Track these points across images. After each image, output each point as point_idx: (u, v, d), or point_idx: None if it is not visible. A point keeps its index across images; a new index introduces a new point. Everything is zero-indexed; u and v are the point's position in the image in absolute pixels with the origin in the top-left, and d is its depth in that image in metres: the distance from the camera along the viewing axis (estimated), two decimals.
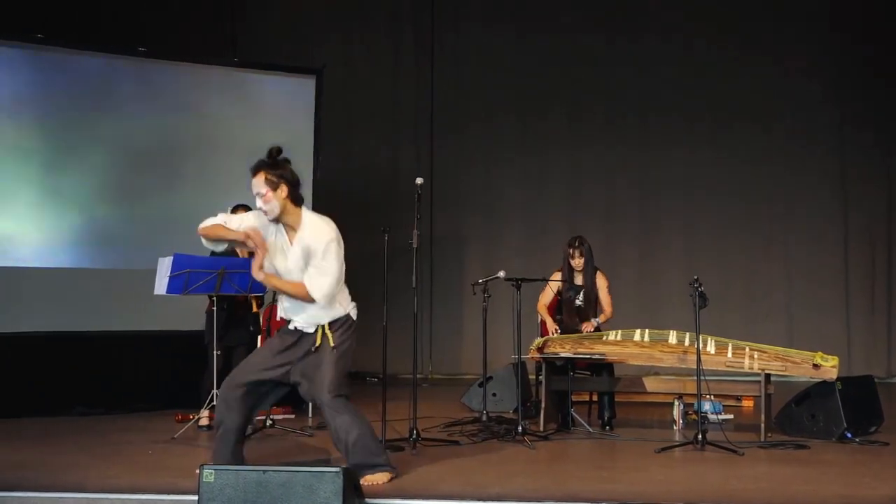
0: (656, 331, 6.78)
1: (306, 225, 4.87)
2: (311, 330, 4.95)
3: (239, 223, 4.87)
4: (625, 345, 6.73)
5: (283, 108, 8.61)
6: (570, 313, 7.15)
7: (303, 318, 4.96)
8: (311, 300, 4.84)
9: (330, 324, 4.94)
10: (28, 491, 4.63)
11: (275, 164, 4.86)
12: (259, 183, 4.83)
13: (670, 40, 10.59)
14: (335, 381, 4.86)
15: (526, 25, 10.80)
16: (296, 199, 4.87)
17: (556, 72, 10.74)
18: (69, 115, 7.81)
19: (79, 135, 7.85)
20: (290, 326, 5.02)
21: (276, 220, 4.85)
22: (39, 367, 7.25)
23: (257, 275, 4.84)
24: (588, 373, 7.04)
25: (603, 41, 10.68)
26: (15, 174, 7.57)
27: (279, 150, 4.92)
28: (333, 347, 4.90)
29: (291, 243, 4.88)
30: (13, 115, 7.58)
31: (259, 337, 7.20)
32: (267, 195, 4.81)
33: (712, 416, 6.81)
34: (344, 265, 4.93)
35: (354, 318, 5.06)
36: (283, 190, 4.81)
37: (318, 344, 4.91)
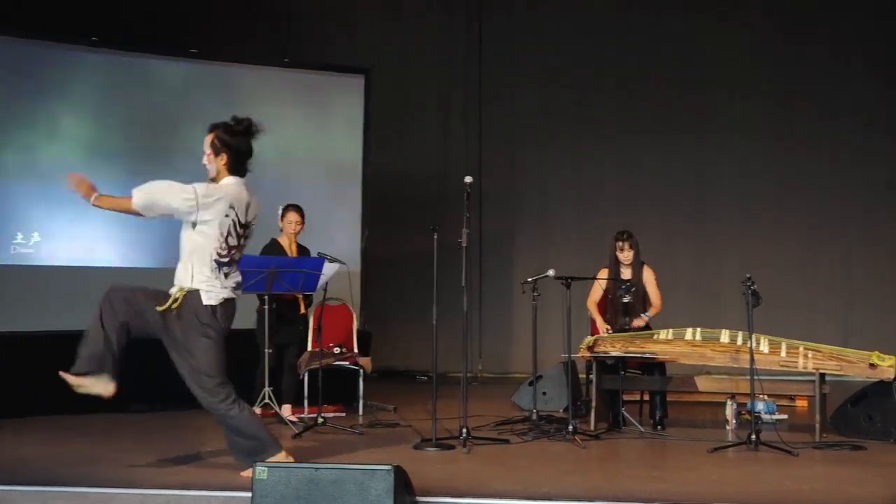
0: (708, 329, 6.72)
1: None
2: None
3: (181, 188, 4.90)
4: (676, 344, 6.68)
5: (333, 107, 8.65)
6: (618, 311, 7.11)
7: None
8: (134, 209, 4.88)
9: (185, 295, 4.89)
10: (88, 486, 4.70)
11: (229, 131, 4.98)
12: (207, 142, 5.01)
13: (730, 30, 10.45)
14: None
15: (577, 20, 10.73)
16: (235, 170, 4.99)
17: (607, 69, 10.67)
18: (148, 119, 8.00)
19: (152, 139, 8.01)
20: None
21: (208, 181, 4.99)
22: None
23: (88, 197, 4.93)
24: (639, 372, 7.00)
25: (656, 34, 10.57)
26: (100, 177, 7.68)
27: (246, 122, 5.04)
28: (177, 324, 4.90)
29: None
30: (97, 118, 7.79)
31: (309, 335, 7.25)
32: (209, 156, 4.99)
33: (766, 416, 6.76)
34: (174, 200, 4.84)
35: (206, 302, 4.92)
36: (223, 157, 4.96)
37: (164, 306, 4.88)
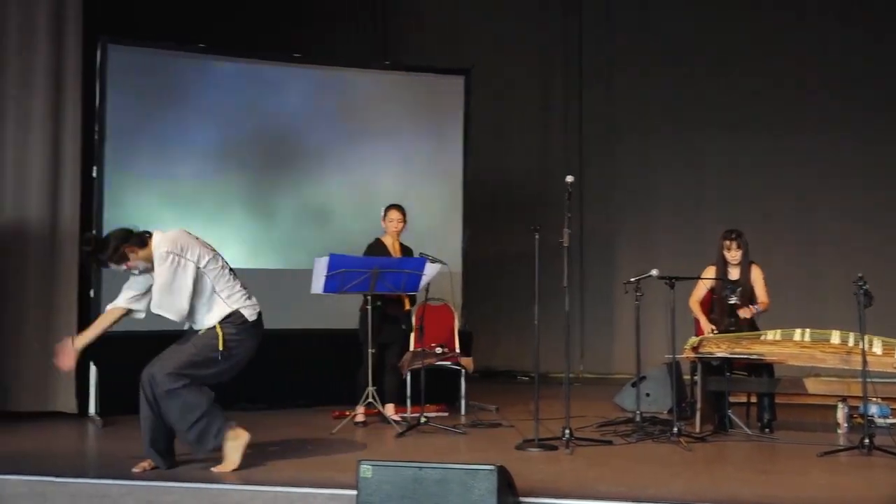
0: (818, 330, 6.53)
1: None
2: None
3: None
4: (784, 344, 6.51)
5: (432, 109, 8.70)
6: (724, 312, 6.98)
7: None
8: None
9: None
10: (194, 482, 4.83)
11: (106, 250, 5.09)
12: (113, 267, 5.14)
13: (837, 32, 10.17)
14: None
15: (679, 14, 10.57)
16: (141, 244, 5.12)
17: (708, 65, 10.48)
18: (264, 123, 8.18)
19: (276, 143, 8.19)
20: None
21: (149, 270, 5.13)
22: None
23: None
24: (745, 373, 6.85)
25: (757, 34, 10.35)
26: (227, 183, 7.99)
27: (94, 239, 5.29)
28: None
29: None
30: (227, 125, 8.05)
31: (412, 334, 7.31)
32: (131, 265, 5.11)
33: (879, 420, 6.54)
34: (183, 279, 5.10)
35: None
36: (133, 253, 5.08)
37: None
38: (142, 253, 5.11)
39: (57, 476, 4.89)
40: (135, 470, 5.07)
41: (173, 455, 5.21)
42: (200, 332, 5.21)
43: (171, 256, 5.07)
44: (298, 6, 10.24)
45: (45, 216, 7.20)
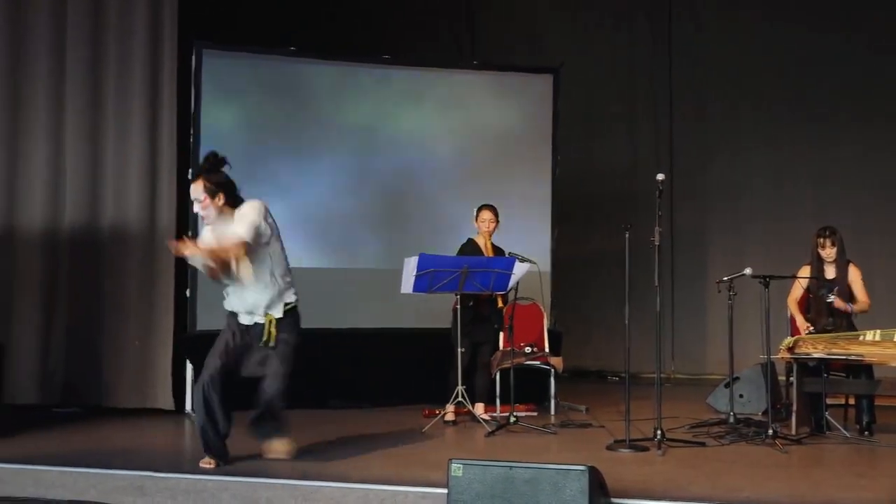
0: None
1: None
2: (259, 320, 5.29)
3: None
4: (885, 345, 6.31)
5: (522, 107, 8.69)
6: (821, 311, 6.80)
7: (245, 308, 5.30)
8: (238, 246, 5.07)
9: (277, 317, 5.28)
10: (290, 479, 4.90)
11: (213, 171, 5.09)
12: (198, 189, 5.11)
13: None
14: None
15: (768, 13, 10.37)
16: (233, 202, 5.15)
17: (798, 61, 10.24)
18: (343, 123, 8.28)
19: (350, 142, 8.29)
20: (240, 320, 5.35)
21: (212, 222, 5.16)
22: (300, 362, 7.64)
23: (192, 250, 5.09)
24: (843, 374, 6.67)
25: (845, 33, 10.08)
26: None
27: (215, 155, 5.17)
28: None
29: None
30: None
31: (502, 334, 7.31)
32: (205, 202, 5.10)
33: None
34: (268, 231, 5.18)
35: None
36: (220, 198, 5.09)
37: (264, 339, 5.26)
38: (226, 208, 5.17)
39: (155, 471, 5.02)
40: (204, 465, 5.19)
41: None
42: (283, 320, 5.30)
43: (255, 212, 5.14)
44: (388, 8, 10.33)
45: (144, 218, 7.40)
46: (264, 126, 8.04)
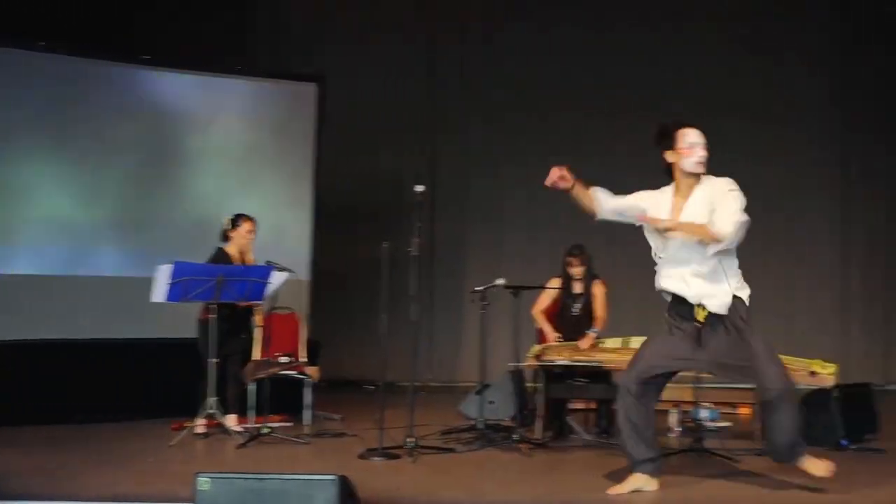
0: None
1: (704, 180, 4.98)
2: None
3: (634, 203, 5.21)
4: (623, 352, 6.72)
5: (285, 115, 8.63)
6: (567, 322, 7.15)
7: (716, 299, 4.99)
8: (716, 241, 4.86)
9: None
10: (30, 500, 4.65)
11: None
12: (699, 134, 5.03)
13: (672, 33, 10.56)
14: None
15: (526, 27, 10.79)
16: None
17: (557, 73, 10.69)
18: (85, 123, 7.90)
19: (88, 143, 7.92)
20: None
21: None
22: (39, 374, 7.25)
23: (665, 223, 5.01)
24: (586, 380, 7.03)
25: (600, 37, 10.64)
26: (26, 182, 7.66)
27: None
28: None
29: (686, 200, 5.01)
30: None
31: (254, 346, 7.19)
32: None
33: (709, 424, 6.83)
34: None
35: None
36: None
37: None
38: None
39: None
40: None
41: None
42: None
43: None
44: (162, 8, 9.97)
45: None
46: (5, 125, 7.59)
